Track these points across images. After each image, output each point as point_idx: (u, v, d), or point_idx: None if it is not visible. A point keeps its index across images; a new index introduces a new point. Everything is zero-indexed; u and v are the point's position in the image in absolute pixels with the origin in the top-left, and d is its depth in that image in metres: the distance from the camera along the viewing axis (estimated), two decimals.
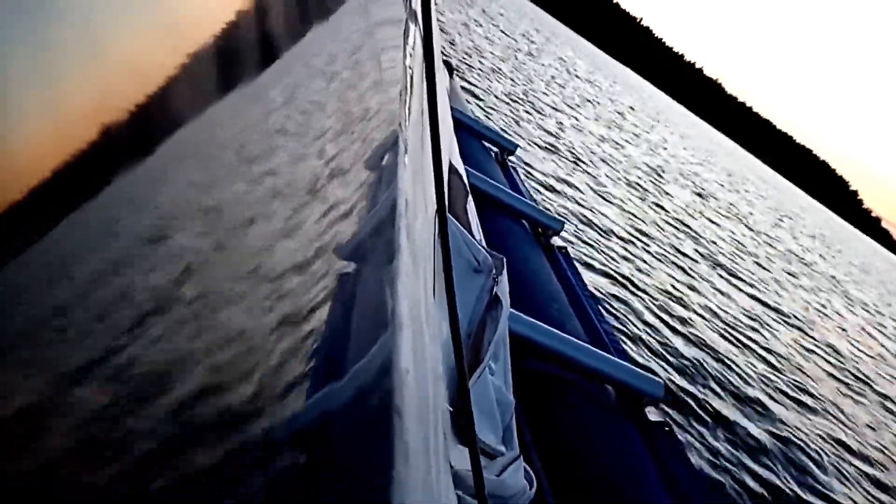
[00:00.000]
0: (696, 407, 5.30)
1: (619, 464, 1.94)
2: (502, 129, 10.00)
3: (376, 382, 0.68)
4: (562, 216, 7.24)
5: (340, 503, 0.63)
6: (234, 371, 0.60)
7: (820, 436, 6.45)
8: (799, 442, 5.95)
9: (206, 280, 0.59)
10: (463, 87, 9.83)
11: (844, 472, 5.93)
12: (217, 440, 0.55)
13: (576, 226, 7.98)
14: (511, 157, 5.27)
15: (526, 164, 9.23)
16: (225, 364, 0.58)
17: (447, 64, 6.48)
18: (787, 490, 4.98)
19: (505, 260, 1.98)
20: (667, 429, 2.26)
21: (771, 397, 6.67)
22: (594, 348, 2.38)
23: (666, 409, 4.73)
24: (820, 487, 5.34)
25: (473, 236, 2.15)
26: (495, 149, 5.19)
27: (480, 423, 1.49)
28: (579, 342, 2.36)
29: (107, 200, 0.47)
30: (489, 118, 10.71)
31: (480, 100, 11.81)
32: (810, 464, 5.65)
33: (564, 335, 2.32)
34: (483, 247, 2.01)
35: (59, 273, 0.44)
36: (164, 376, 0.50)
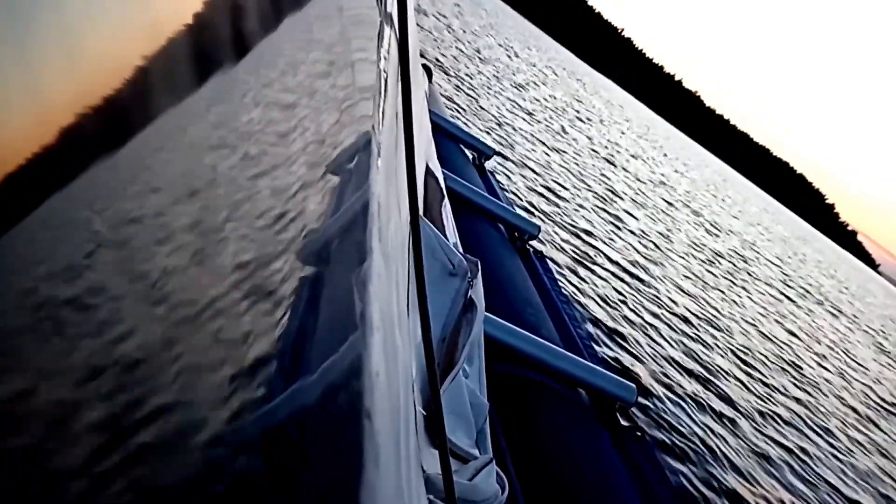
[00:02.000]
0: (668, 412, 5.35)
1: (590, 468, 1.95)
2: (480, 134, 10.04)
3: (345, 385, 0.68)
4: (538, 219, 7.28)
5: None
6: (200, 373, 0.59)
7: (794, 443, 6.55)
8: (772, 448, 6.03)
9: (171, 281, 0.58)
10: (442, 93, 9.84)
11: (816, 481, 6.02)
12: (182, 444, 0.54)
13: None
14: (488, 162, 5.33)
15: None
16: (190, 366, 0.58)
17: (425, 67, 6.49)
18: (757, 496, 5.04)
19: (480, 263, 1.98)
20: (638, 433, 2.28)
21: (744, 405, 6.75)
22: (568, 352, 2.40)
23: (638, 414, 4.77)
24: (791, 494, 5.42)
25: (449, 239, 2.15)
26: (473, 153, 5.23)
27: (454, 427, 1.49)
28: (554, 346, 2.37)
29: (68, 200, 0.46)
30: (467, 123, 10.74)
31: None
32: (782, 470, 5.73)
33: (539, 339, 2.33)
34: (458, 250, 2.01)
35: (29, 266, 0.43)
36: (126, 378, 0.49)
